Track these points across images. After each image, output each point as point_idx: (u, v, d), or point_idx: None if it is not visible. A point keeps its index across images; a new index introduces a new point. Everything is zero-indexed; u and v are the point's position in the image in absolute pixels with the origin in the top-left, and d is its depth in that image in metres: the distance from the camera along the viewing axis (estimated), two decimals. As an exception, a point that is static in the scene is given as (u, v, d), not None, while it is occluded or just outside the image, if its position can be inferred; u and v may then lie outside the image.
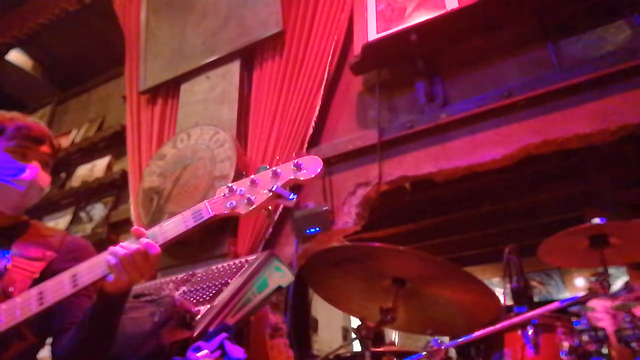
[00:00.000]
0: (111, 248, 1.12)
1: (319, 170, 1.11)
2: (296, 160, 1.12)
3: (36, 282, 1.21)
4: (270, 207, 1.15)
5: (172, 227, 1.16)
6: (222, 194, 1.15)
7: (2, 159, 1.32)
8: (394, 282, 1.77)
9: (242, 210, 1.12)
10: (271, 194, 1.10)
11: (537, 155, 2.20)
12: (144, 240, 1.11)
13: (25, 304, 1.11)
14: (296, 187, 2.54)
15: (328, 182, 2.50)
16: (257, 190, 1.12)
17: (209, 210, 1.14)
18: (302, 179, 1.11)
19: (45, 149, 1.40)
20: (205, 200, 1.16)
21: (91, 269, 1.12)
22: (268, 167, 1.14)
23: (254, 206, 1.11)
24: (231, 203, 1.13)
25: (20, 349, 1.21)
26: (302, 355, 3.03)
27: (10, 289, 1.20)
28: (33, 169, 1.35)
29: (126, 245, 1.11)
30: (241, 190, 1.13)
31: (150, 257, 1.11)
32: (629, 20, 2.10)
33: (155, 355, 1.48)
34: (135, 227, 1.15)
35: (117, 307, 1.19)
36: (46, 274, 1.24)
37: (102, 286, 1.15)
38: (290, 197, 1.10)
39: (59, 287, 1.11)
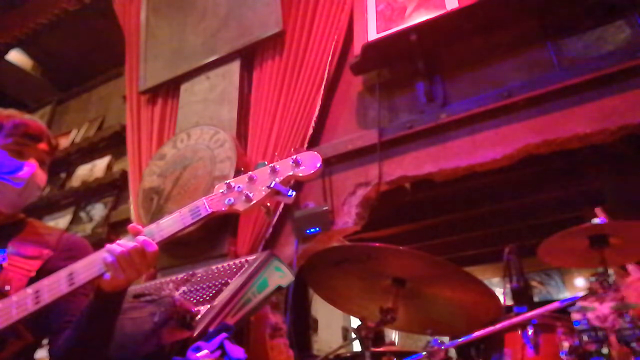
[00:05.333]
0: (108, 246, 1.10)
1: (318, 165, 1.09)
2: (295, 156, 1.11)
3: (32, 280, 1.20)
4: (269, 204, 1.14)
5: (169, 224, 1.14)
6: (220, 191, 1.13)
7: None
8: (394, 282, 1.77)
9: (240, 207, 1.10)
10: (269, 190, 1.08)
11: (537, 155, 2.20)
12: (141, 237, 1.10)
13: (21, 303, 1.10)
14: (296, 185, 2.55)
15: (328, 182, 2.50)
16: (256, 186, 1.11)
17: (207, 207, 1.13)
18: (300, 175, 1.09)
19: (42, 146, 1.39)
20: (203, 197, 1.14)
21: (88, 267, 1.11)
22: (266, 163, 1.13)
23: (252, 203, 1.09)
24: (229, 200, 1.11)
25: (17, 348, 1.20)
26: (302, 355, 3.03)
27: (7, 288, 1.19)
28: (30, 166, 1.34)
29: (123, 243, 1.09)
30: (239, 187, 1.12)
31: (147, 255, 1.10)
32: (629, 20, 2.10)
33: (155, 355, 1.48)
34: (132, 224, 1.14)
35: (114, 305, 1.18)
36: (43, 272, 1.23)
37: (99, 284, 1.14)
38: (288, 194, 1.08)
39: (55, 285, 1.11)
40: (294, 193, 1.10)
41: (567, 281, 6.55)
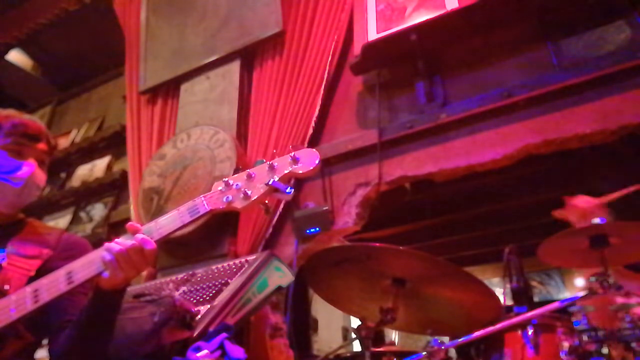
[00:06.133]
0: (106, 244, 1.11)
1: (316, 162, 1.09)
2: (293, 153, 1.10)
3: (32, 280, 1.20)
4: (267, 202, 1.13)
5: (167, 222, 1.14)
6: (219, 189, 1.13)
7: None
8: (394, 282, 1.76)
9: (239, 204, 1.10)
10: (268, 187, 1.08)
11: (537, 155, 2.20)
12: (139, 235, 1.10)
13: (20, 302, 1.10)
14: (296, 185, 2.55)
15: (328, 182, 2.50)
16: (254, 184, 1.10)
17: (205, 205, 1.13)
18: (299, 172, 1.09)
19: (41, 146, 1.39)
20: (202, 195, 1.14)
21: (86, 266, 1.11)
22: (265, 161, 1.13)
23: (250, 200, 1.09)
24: (227, 197, 1.11)
25: (17, 348, 1.21)
26: (302, 355, 3.03)
27: (6, 287, 1.19)
28: (30, 166, 1.34)
29: (121, 242, 1.09)
30: (237, 184, 1.12)
31: (145, 253, 1.10)
32: (629, 20, 2.09)
33: (155, 355, 1.47)
34: (130, 222, 1.14)
35: (113, 304, 1.18)
36: (42, 271, 1.23)
37: (97, 283, 1.14)
38: (287, 191, 1.08)
39: (54, 284, 1.11)
40: (293, 190, 1.10)
41: (567, 281, 6.54)
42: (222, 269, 2.04)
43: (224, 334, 1.57)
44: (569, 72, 2.11)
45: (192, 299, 1.86)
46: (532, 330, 1.72)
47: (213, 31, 3.04)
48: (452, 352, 2.23)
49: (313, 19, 2.70)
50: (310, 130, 2.53)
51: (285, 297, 2.44)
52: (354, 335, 1.81)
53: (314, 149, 1.11)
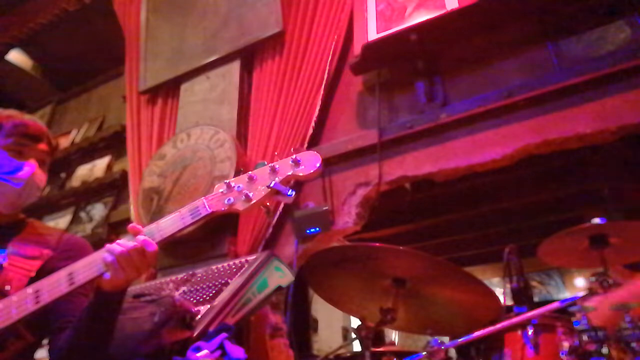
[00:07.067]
0: (108, 245, 1.11)
1: (317, 165, 1.10)
2: (294, 156, 1.11)
3: (32, 280, 1.20)
4: (268, 204, 1.14)
5: (169, 224, 1.14)
6: (220, 191, 1.14)
7: None
8: (394, 282, 1.77)
9: (240, 206, 1.11)
10: (269, 190, 1.09)
11: (537, 155, 2.20)
12: (140, 237, 1.11)
13: (21, 303, 1.10)
14: (296, 185, 2.54)
15: (328, 182, 2.50)
16: (255, 186, 1.11)
17: (207, 207, 1.13)
18: (300, 174, 1.10)
19: (42, 146, 1.39)
20: (203, 197, 1.14)
21: (88, 267, 1.12)
22: (266, 163, 1.13)
23: (252, 202, 1.10)
24: (229, 199, 1.11)
25: (18, 348, 1.21)
26: (302, 355, 3.03)
27: (7, 288, 1.19)
28: (30, 166, 1.34)
29: (123, 243, 1.10)
30: (239, 186, 1.12)
31: (147, 255, 1.10)
32: (629, 20, 2.09)
33: (155, 355, 1.48)
34: (132, 224, 1.14)
35: (114, 305, 1.18)
36: (43, 272, 1.23)
37: (99, 284, 1.14)
38: (288, 194, 1.09)
39: (55, 285, 1.11)
40: (294, 193, 1.10)
41: (567, 281, 6.55)
42: (222, 269, 2.04)
43: (224, 334, 1.57)
44: (569, 72, 2.10)
45: (192, 299, 1.87)
46: (532, 330, 1.73)
47: (213, 31, 3.04)
48: (452, 352, 2.23)
49: (313, 19, 2.70)
50: (310, 130, 2.52)
51: (285, 297, 2.44)
52: (354, 335, 1.81)
53: (315, 152, 1.12)
